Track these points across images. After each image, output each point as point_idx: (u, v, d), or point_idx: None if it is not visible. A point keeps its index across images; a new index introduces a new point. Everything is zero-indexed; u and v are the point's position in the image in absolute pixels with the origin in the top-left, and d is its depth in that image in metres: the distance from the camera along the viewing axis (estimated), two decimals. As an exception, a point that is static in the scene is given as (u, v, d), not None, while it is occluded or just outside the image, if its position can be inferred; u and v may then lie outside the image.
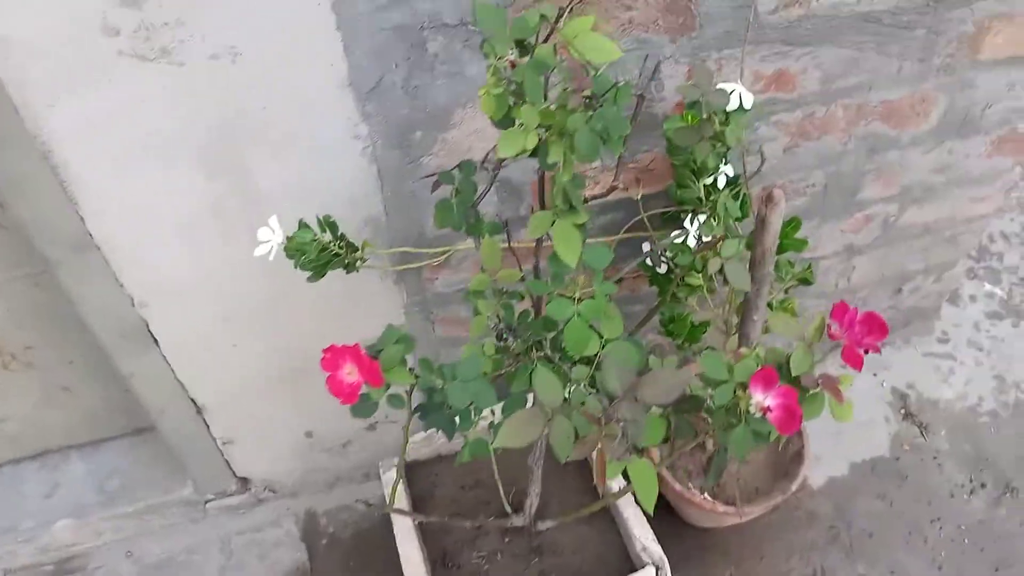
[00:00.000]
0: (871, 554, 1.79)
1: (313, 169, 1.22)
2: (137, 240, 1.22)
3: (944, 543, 1.83)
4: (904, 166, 1.62)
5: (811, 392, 1.04)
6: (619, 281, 1.62)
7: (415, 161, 1.28)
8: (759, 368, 0.98)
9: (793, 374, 1.02)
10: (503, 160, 0.90)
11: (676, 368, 1.13)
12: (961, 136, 1.60)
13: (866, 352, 1.03)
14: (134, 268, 1.26)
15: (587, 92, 0.87)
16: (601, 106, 0.83)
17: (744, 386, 1.00)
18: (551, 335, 1.12)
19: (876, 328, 1.02)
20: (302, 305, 1.40)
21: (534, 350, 1.11)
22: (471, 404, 0.98)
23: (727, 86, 1.24)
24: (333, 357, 0.92)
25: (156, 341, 1.37)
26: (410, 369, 1.02)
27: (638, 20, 1.20)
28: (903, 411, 2.04)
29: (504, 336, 1.13)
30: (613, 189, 0.98)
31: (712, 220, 1.18)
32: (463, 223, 1.13)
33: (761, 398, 0.97)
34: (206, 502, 1.74)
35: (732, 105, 1.24)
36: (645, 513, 1.52)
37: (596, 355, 1.06)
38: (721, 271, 1.08)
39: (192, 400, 1.50)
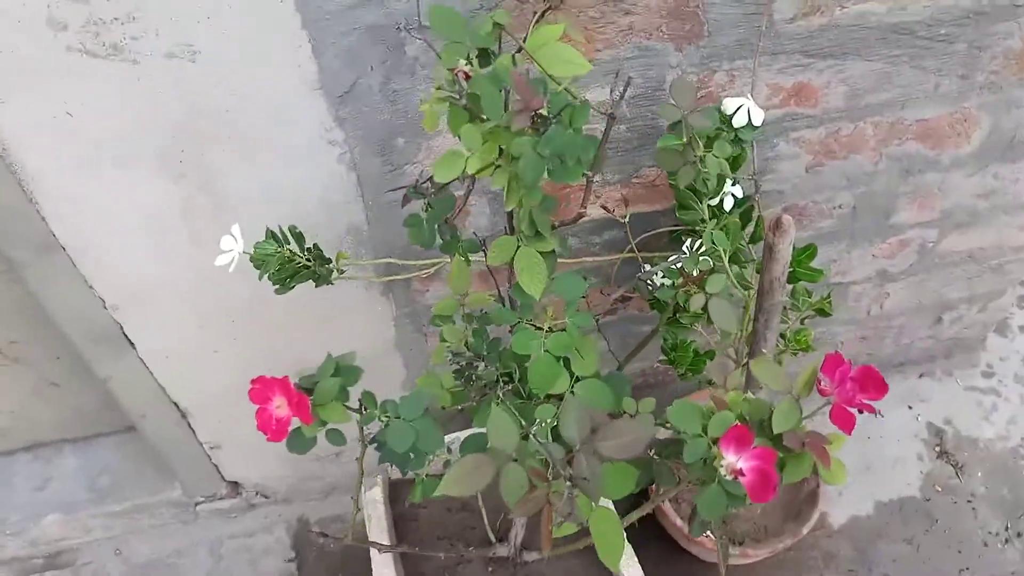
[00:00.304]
0: (890, 603, 1.67)
1: (286, 175, 1.16)
2: (104, 242, 1.18)
3: (973, 596, 1.70)
4: (944, 189, 1.49)
5: (794, 453, 0.93)
6: (626, 299, 1.53)
7: (398, 169, 1.20)
8: (733, 425, 0.88)
9: (775, 431, 0.92)
10: (443, 185, 0.81)
11: (653, 411, 1.04)
12: (1008, 159, 1.46)
13: (860, 412, 0.92)
14: (104, 271, 1.21)
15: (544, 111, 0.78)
16: (546, 129, 0.73)
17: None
18: (524, 366, 1.04)
19: (872, 386, 0.91)
20: (284, 313, 1.34)
21: (501, 382, 1.03)
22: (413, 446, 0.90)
23: (735, 100, 1.14)
24: (262, 389, 0.85)
25: (132, 344, 1.33)
26: (360, 405, 0.95)
27: (639, 26, 1.11)
28: (938, 448, 1.90)
29: (473, 365, 1.06)
30: (580, 217, 0.89)
31: (700, 250, 1.08)
32: (434, 240, 1.06)
33: (733, 460, 0.87)
34: (196, 504, 1.71)
35: (740, 121, 1.14)
36: (639, 550, 1.43)
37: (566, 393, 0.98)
38: (705, 308, 0.98)
39: (175, 404, 1.46)
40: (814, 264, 1.32)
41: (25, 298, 1.35)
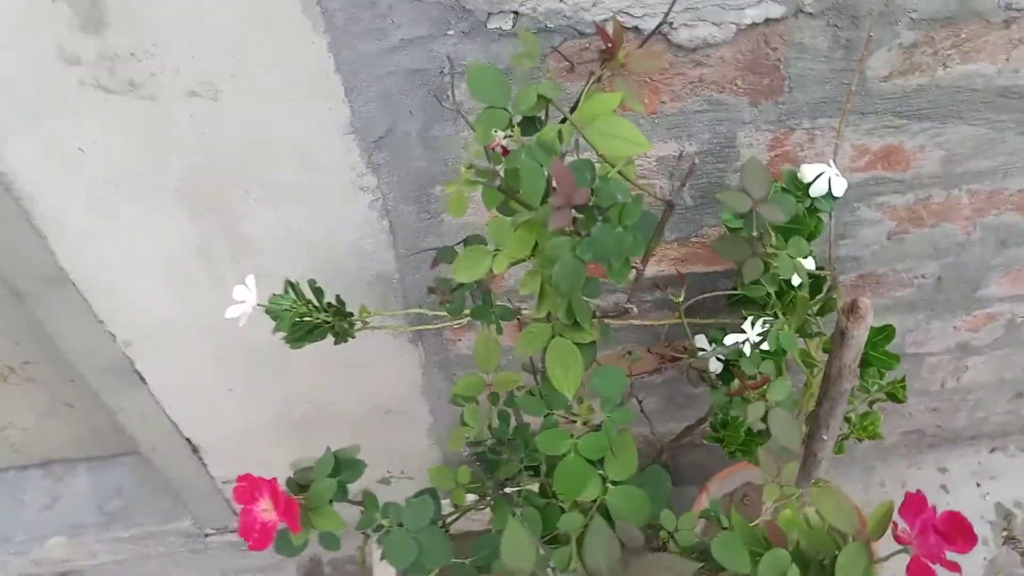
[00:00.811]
0: None
1: (313, 219, 1.06)
2: (117, 278, 1.10)
3: None
4: (1041, 264, 1.34)
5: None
6: (675, 360, 1.40)
7: (435, 217, 1.10)
8: None
9: (837, 583, 0.79)
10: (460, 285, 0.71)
11: (698, 518, 0.92)
12: (1118, 238, 1.30)
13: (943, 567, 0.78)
14: (115, 306, 1.14)
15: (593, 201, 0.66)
16: (589, 229, 0.62)
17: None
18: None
19: (960, 536, 0.77)
20: (305, 356, 1.24)
21: (524, 475, 0.92)
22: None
23: (815, 168, 1.01)
24: (248, 488, 0.76)
25: (143, 380, 1.25)
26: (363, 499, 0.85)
27: (710, 78, 0.98)
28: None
29: (496, 451, 0.95)
30: (626, 312, 0.78)
31: (761, 341, 0.95)
32: (462, 306, 0.95)
33: (787, 617, 0.75)
34: (207, 535, 1.63)
35: (819, 191, 1.01)
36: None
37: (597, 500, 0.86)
38: (764, 419, 0.86)
39: (187, 440, 1.38)
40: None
41: (36, 321, 1.29)
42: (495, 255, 0.65)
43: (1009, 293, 1.39)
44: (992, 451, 1.84)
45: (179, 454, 1.39)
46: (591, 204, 0.65)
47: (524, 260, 0.66)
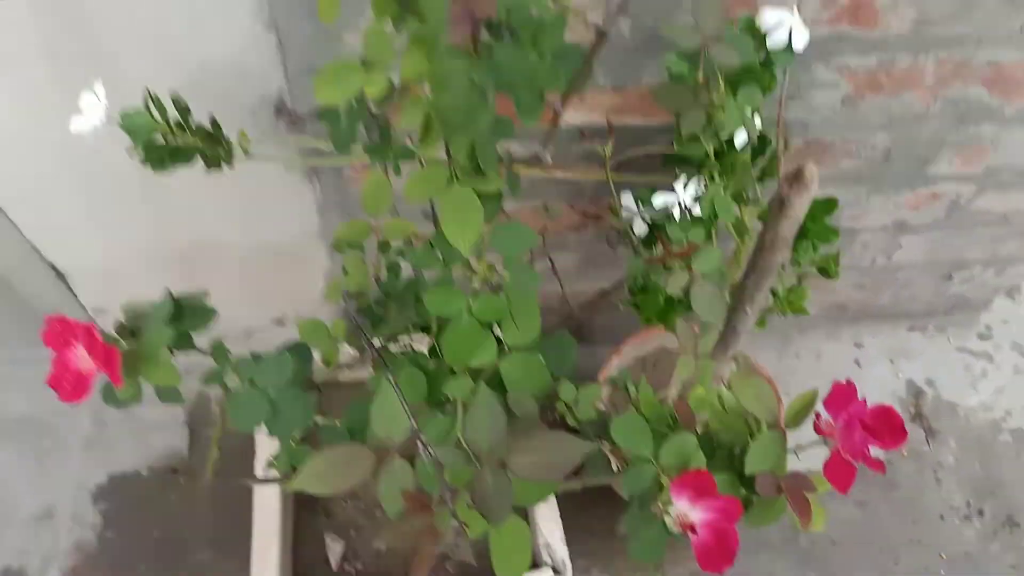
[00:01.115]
0: (828, 564, 1.54)
1: (184, 24, 0.89)
2: (-56, 72, 0.92)
3: (916, 571, 1.58)
4: (997, 144, 1.24)
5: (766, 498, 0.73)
6: (597, 218, 1.30)
7: (334, 35, 0.93)
8: (691, 470, 0.67)
9: (747, 471, 0.72)
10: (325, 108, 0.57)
11: (598, 393, 0.83)
12: (1082, 122, 1.21)
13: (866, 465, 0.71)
14: (-55, 106, 0.96)
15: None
16: (488, 52, 0.48)
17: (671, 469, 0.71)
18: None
19: (888, 433, 0.70)
20: (181, 184, 1.10)
21: (410, 333, 0.81)
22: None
23: (776, 14, 0.87)
24: (61, 331, 0.64)
25: (-10, 195, 1.09)
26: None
27: None
28: (913, 410, 1.74)
29: (383, 305, 0.84)
30: (538, 160, 0.65)
31: (689, 216, 0.84)
32: (351, 138, 0.80)
33: (685, 509, 0.67)
34: (83, 365, 1.51)
35: (778, 42, 0.88)
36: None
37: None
38: (687, 292, 0.76)
39: (51, 264, 1.23)
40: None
41: None
42: (370, 75, 0.51)
43: (958, 172, 1.30)
44: (910, 330, 1.81)
45: (43, 280, 1.25)
46: (500, 21, 0.51)
47: (411, 85, 0.53)
